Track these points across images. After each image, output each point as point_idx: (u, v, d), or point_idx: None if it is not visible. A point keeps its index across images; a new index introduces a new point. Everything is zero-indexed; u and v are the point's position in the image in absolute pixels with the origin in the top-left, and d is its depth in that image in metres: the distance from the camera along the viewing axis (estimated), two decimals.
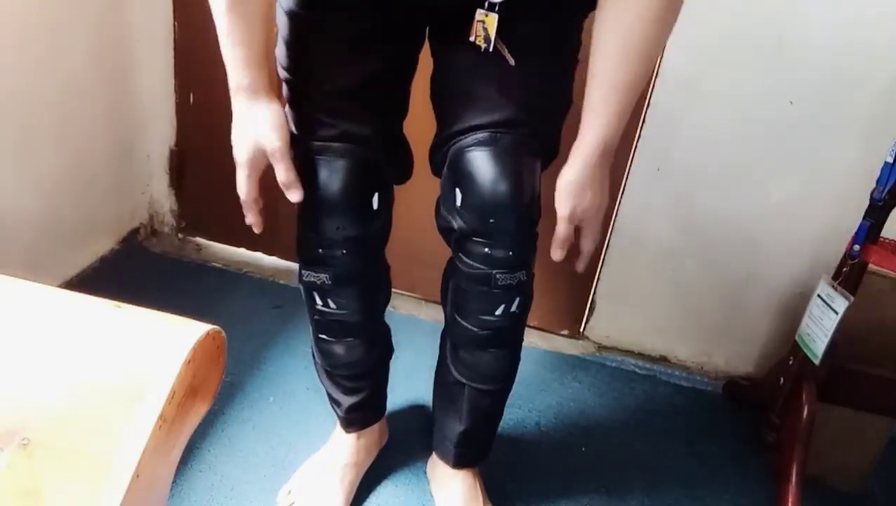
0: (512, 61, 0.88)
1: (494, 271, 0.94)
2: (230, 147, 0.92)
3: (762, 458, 1.45)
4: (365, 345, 1.10)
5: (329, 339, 1.08)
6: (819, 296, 1.30)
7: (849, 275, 1.26)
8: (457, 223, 0.95)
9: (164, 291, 1.68)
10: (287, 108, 0.98)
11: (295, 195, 0.93)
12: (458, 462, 1.19)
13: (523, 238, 0.96)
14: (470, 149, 0.92)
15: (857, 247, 1.25)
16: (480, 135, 0.91)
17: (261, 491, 1.23)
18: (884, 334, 1.34)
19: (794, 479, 1.28)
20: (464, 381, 1.08)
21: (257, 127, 0.89)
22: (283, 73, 0.97)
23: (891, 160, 1.21)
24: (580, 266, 0.99)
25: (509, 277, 0.95)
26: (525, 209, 0.93)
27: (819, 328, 1.28)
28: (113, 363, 0.59)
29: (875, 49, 1.33)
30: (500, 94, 0.91)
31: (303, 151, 0.96)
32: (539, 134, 0.94)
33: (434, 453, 1.24)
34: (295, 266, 1.06)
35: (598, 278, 1.66)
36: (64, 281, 1.65)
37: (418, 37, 0.99)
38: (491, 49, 0.87)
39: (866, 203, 1.24)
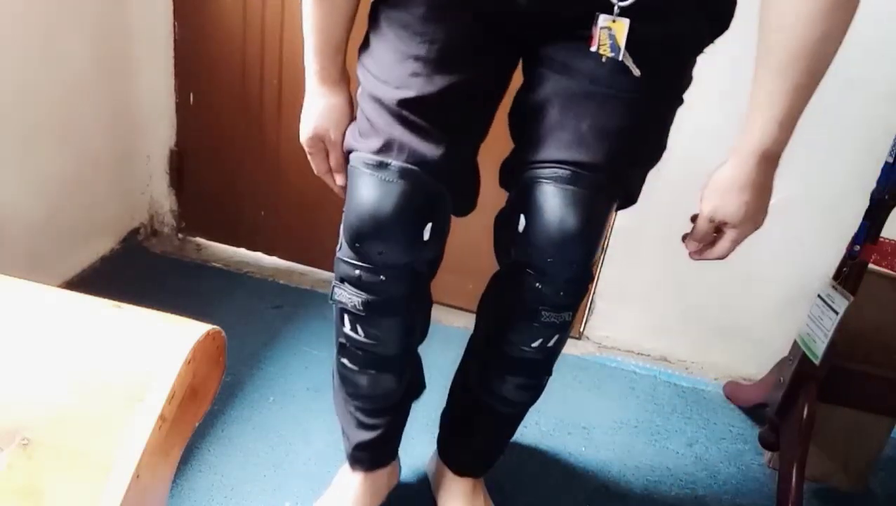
0: (637, 72, 0.81)
1: (541, 308, 0.90)
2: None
3: (762, 458, 1.45)
4: (391, 381, 1.01)
5: (352, 366, 0.99)
6: (819, 296, 1.30)
7: (849, 275, 1.27)
8: (514, 250, 0.90)
9: (164, 291, 1.68)
10: (357, 112, 0.92)
11: (339, 179, 0.94)
12: (463, 471, 1.18)
13: (577, 281, 0.91)
14: (546, 181, 0.85)
15: (857, 247, 1.25)
16: (561, 171, 0.84)
17: (261, 491, 1.22)
18: (884, 334, 1.34)
19: (794, 479, 1.28)
20: (483, 398, 1.05)
21: (318, 114, 0.91)
22: (360, 73, 0.90)
23: (891, 160, 1.21)
24: (694, 256, 0.94)
25: (554, 315, 0.91)
26: (587, 256, 0.88)
27: (819, 328, 1.28)
28: (113, 363, 0.59)
29: (875, 49, 1.33)
30: (592, 134, 0.84)
31: (357, 160, 0.87)
32: (622, 181, 0.89)
33: (438, 454, 1.23)
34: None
35: (598, 278, 1.66)
36: (64, 281, 1.65)
37: (513, 55, 0.92)
38: (620, 58, 0.79)
39: (866, 203, 1.24)
